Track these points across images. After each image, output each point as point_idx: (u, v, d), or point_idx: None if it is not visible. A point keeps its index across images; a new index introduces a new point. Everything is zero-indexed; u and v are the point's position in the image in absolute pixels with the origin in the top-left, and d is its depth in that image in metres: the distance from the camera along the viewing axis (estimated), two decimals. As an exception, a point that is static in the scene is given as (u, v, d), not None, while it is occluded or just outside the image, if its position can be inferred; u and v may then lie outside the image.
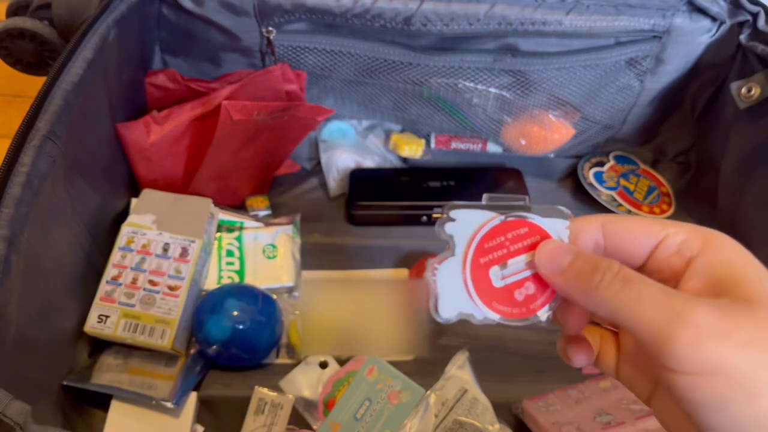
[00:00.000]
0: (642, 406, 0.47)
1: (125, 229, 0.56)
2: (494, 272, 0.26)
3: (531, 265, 0.26)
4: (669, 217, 0.70)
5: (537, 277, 0.26)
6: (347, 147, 0.71)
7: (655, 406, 0.26)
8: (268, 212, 0.67)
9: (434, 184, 0.70)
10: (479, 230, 0.27)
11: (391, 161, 0.73)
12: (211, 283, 0.58)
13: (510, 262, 0.26)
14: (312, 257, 0.64)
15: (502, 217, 0.27)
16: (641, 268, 0.25)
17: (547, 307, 0.26)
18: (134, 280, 0.53)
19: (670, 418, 0.25)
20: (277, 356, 0.57)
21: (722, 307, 0.21)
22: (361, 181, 0.70)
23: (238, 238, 0.61)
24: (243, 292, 0.54)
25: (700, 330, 0.21)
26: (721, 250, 0.23)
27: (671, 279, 0.24)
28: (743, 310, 0.21)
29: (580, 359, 0.27)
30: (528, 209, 0.27)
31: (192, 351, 0.55)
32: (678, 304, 0.21)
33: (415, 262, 0.64)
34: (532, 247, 0.26)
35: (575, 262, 0.25)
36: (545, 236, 0.26)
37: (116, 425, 0.49)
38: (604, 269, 0.24)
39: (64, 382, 0.48)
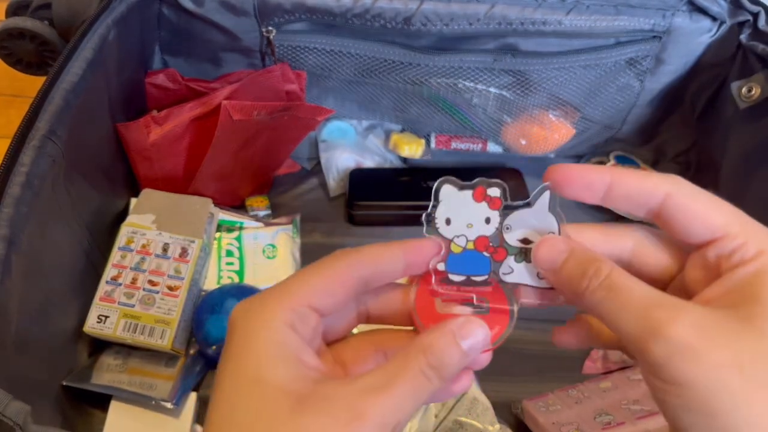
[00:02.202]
0: (642, 406, 0.47)
1: (125, 229, 0.56)
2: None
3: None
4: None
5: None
6: (347, 147, 0.71)
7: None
8: (268, 212, 0.67)
9: (434, 184, 0.70)
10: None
11: (391, 161, 0.73)
12: (210, 283, 0.58)
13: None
14: (312, 257, 0.63)
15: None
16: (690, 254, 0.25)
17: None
18: (134, 280, 0.53)
19: None
20: (277, 356, 0.57)
21: (711, 322, 0.22)
22: (361, 181, 0.70)
23: (238, 238, 0.61)
24: (243, 292, 0.54)
25: (671, 347, 0.21)
26: (766, 261, 0.23)
27: (712, 277, 0.24)
28: (736, 327, 0.22)
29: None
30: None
31: (192, 351, 0.54)
32: (660, 316, 0.22)
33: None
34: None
35: (567, 263, 0.25)
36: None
37: (116, 425, 0.49)
38: (591, 275, 0.24)
39: (64, 382, 0.48)
